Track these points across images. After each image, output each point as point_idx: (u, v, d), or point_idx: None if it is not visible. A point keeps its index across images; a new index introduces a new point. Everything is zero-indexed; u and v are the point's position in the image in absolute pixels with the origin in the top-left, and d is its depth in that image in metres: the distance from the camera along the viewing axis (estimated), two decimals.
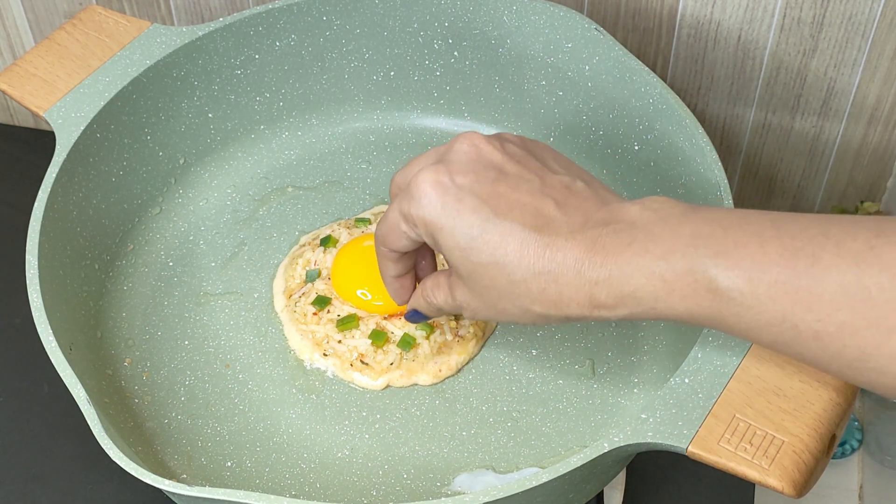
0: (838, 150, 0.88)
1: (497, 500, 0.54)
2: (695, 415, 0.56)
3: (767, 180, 0.92)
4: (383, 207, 0.79)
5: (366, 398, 0.70)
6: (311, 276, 0.73)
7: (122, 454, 0.56)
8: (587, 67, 0.77)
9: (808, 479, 0.55)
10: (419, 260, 0.65)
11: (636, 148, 0.76)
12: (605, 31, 0.75)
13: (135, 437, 0.68)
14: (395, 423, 0.69)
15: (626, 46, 0.79)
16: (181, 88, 0.78)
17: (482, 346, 0.72)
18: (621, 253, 0.51)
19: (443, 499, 0.54)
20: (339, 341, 0.70)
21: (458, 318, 0.71)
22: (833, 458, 0.99)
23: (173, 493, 0.57)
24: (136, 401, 0.70)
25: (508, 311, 0.56)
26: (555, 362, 0.71)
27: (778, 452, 0.54)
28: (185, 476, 0.66)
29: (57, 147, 0.70)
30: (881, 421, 0.99)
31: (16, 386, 0.79)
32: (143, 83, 0.75)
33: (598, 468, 0.59)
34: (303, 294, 0.73)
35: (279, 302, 0.74)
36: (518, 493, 0.54)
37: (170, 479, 0.56)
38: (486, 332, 0.72)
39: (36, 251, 0.65)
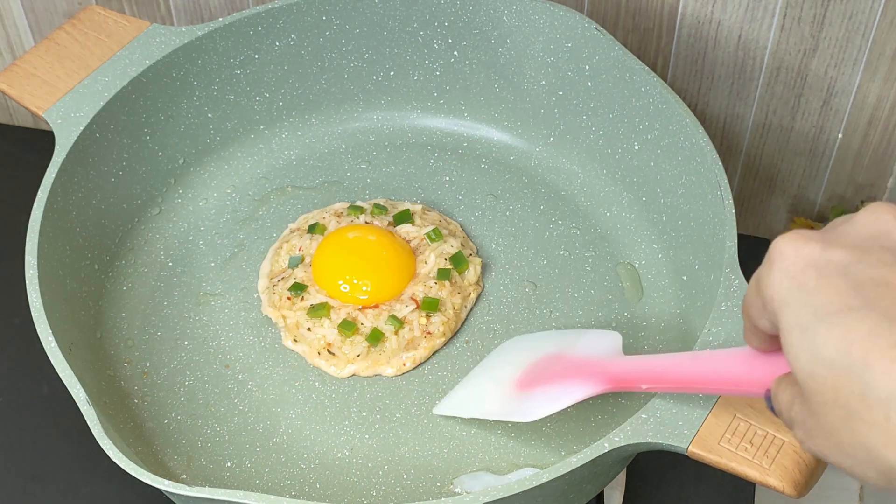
0: (838, 150, 0.88)
1: (497, 500, 0.54)
2: (695, 415, 0.56)
3: (767, 180, 0.92)
4: (382, 200, 0.79)
5: (366, 398, 0.70)
6: (293, 262, 0.74)
7: (121, 454, 0.56)
8: (587, 67, 0.77)
9: (808, 479, 0.54)
10: None
11: (636, 148, 0.76)
12: (605, 31, 0.75)
13: (134, 437, 0.68)
14: (395, 423, 0.69)
15: (626, 46, 0.78)
16: (181, 88, 0.77)
17: (448, 342, 0.72)
18: None
19: (443, 499, 0.54)
20: (309, 329, 0.71)
21: (428, 315, 0.71)
22: None
23: (173, 494, 0.57)
24: (136, 401, 0.70)
25: (847, 450, 0.39)
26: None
27: (778, 452, 0.54)
28: (184, 476, 0.66)
29: (56, 147, 0.70)
30: None
31: (16, 386, 0.79)
32: (143, 83, 0.75)
33: (599, 468, 0.59)
34: (282, 279, 0.74)
35: (262, 283, 0.75)
36: (518, 493, 0.54)
37: (170, 479, 0.56)
38: (455, 329, 0.73)
39: (35, 251, 0.65)
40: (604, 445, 0.56)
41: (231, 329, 0.74)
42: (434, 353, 0.72)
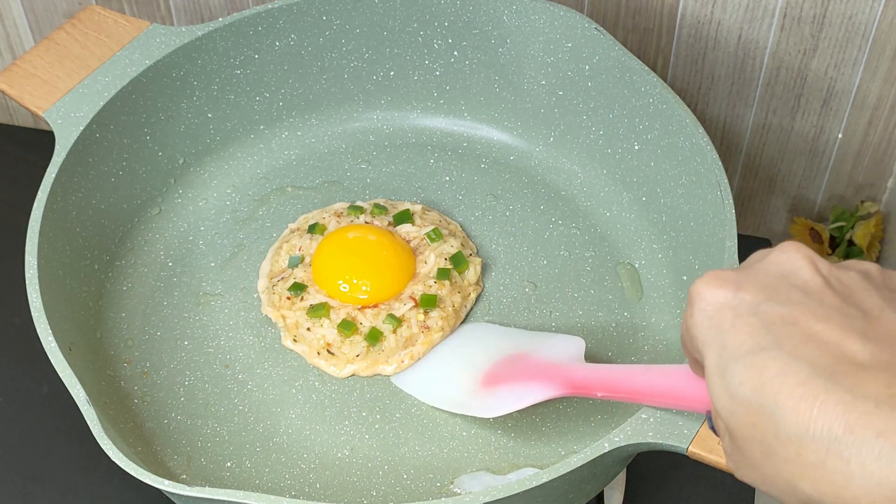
0: (838, 150, 0.88)
1: (497, 500, 0.54)
2: (695, 415, 0.56)
3: (767, 180, 0.92)
4: (382, 200, 0.79)
5: (366, 398, 0.70)
6: (293, 262, 0.74)
7: (121, 454, 0.56)
8: (587, 67, 0.77)
9: None
10: None
11: (636, 148, 0.76)
12: (605, 31, 0.75)
13: (134, 437, 0.68)
14: (395, 423, 0.69)
15: (626, 46, 0.78)
16: (181, 88, 0.77)
17: (446, 337, 0.72)
18: None
19: (443, 499, 0.54)
20: (308, 329, 0.71)
21: (426, 311, 0.71)
22: None
23: (173, 494, 0.57)
24: (136, 401, 0.70)
25: (772, 481, 0.41)
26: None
27: None
28: (184, 476, 0.66)
29: (56, 147, 0.70)
30: None
31: (16, 386, 0.79)
32: (143, 83, 0.75)
33: (599, 468, 0.59)
34: (282, 279, 0.74)
35: (262, 283, 0.75)
36: (518, 493, 0.54)
37: (170, 479, 0.56)
38: (454, 326, 0.72)
39: (35, 251, 0.65)
40: (604, 445, 0.56)
41: (231, 329, 0.74)
42: (434, 358, 0.71)
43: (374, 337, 0.70)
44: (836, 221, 0.91)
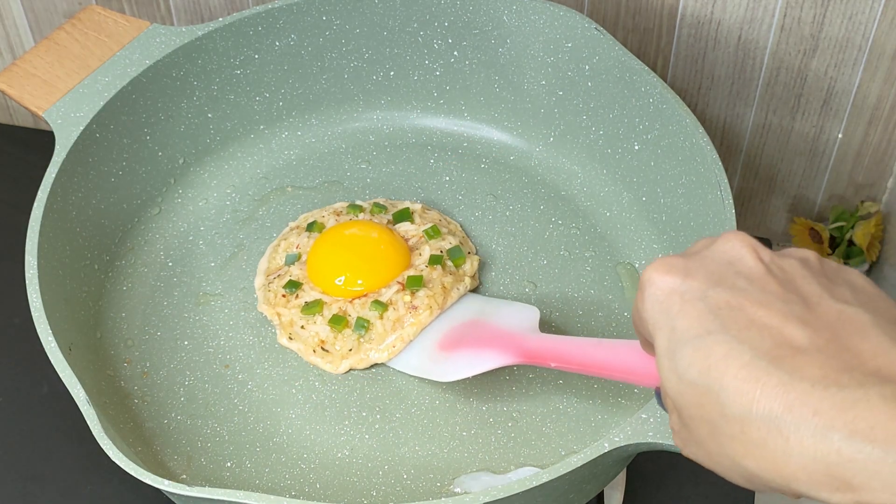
0: (838, 150, 0.88)
1: (497, 500, 0.54)
2: None
3: (767, 180, 0.92)
4: (382, 199, 0.79)
5: (366, 398, 0.70)
6: (290, 260, 0.74)
7: (121, 454, 0.56)
8: (587, 67, 0.77)
9: None
10: None
11: (636, 148, 0.76)
12: (605, 31, 0.75)
13: (134, 437, 0.68)
14: (395, 423, 0.69)
15: (626, 46, 0.78)
16: (181, 88, 0.77)
17: (436, 317, 0.72)
18: None
19: (443, 499, 0.54)
20: (303, 327, 0.71)
21: (412, 292, 0.71)
22: None
23: (173, 494, 0.57)
24: (136, 401, 0.70)
25: (717, 458, 0.43)
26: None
27: None
28: (184, 476, 0.66)
29: (56, 147, 0.70)
30: None
31: (16, 386, 0.79)
32: (143, 83, 0.75)
33: (599, 468, 0.59)
34: (278, 276, 0.74)
35: (259, 280, 0.75)
36: (518, 493, 0.54)
37: (170, 479, 0.56)
38: (442, 305, 0.72)
39: (35, 251, 0.65)
40: (604, 445, 0.56)
41: (231, 329, 0.74)
42: (420, 334, 0.71)
43: (362, 325, 0.70)
44: (836, 221, 0.91)
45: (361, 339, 0.70)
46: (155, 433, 0.68)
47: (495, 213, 0.80)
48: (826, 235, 0.91)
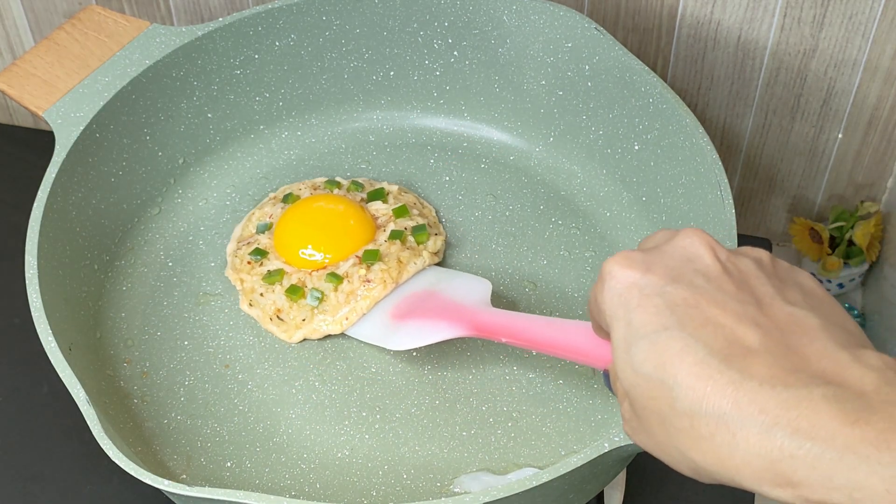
0: (838, 150, 0.88)
1: (497, 500, 0.54)
2: None
3: (767, 180, 0.92)
4: (362, 178, 0.80)
5: (366, 397, 0.70)
6: (261, 228, 0.76)
7: (121, 454, 0.56)
8: (587, 67, 0.77)
9: None
10: None
11: (636, 148, 0.76)
12: (605, 31, 0.75)
13: (134, 437, 0.68)
14: (395, 423, 0.69)
15: (626, 46, 0.78)
16: (180, 88, 0.77)
17: (391, 292, 0.72)
18: (838, 430, 0.39)
19: (443, 499, 0.54)
20: (262, 294, 0.72)
21: (368, 265, 0.71)
22: None
23: (173, 494, 0.57)
24: (136, 401, 0.70)
25: (665, 449, 0.45)
26: (555, 362, 0.71)
27: None
28: (184, 476, 0.66)
29: (56, 147, 0.70)
30: None
31: (16, 386, 0.79)
32: (143, 83, 0.75)
33: (599, 468, 0.59)
34: (248, 243, 0.75)
35: (231, 247, 0.77)
36: (518, 493, 0.54)
37: (170, 479, 0.56)
38: (397, 279, 0.72)
39: (35, 251, 0.65)
40: (604, 445, 0.56)
41: (231, 329, 0.74)
42: (376, 305, 0.72)
43: (315, 297, 0.71)
44: (836, 221, 0.91)
45: (315, 311, 0.71)
46: (155, 433, 0.68)
47: (495, 213, 0.80)
48: (826, 235, 0.91)
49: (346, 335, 0.72)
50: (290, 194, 0.78)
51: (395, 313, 0.71)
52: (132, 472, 0.56)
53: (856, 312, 0.94)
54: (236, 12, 0.78)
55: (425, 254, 0.74)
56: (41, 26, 0.93)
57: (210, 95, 0.79)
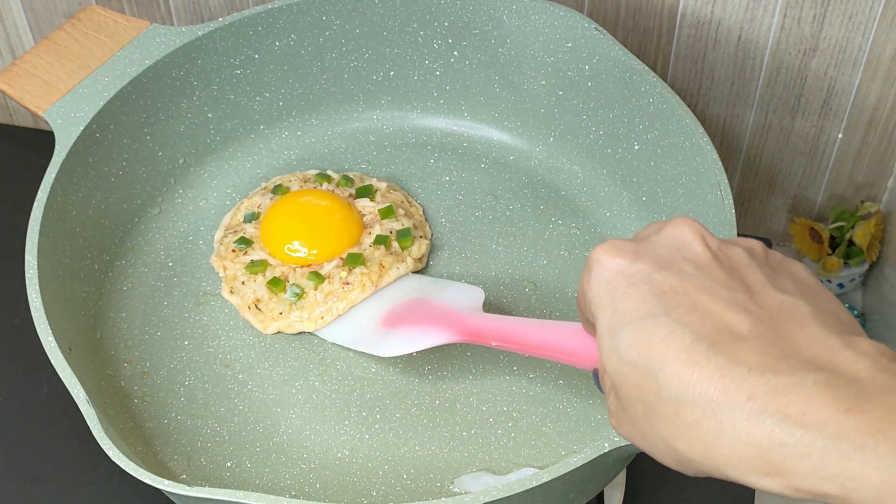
0: (838, 150, 0.88)
1: (497, 500, 0.54)
2: None
3: (767, 180, 0.92)
4: (353, 173, 0.80)
5: (366, 397, 0.70)
6: (248, 218, 0.76)
7: (121, 454, 0.56)
8: (587, 67, 0.77)
9: None
10: None
11: (636, 148, 0.76)
12: (605, 31, 0.75)
13: (134, 437, 0.68)
14: (395, 423, 0.69)
15: (626, 46, 0.78)
16: (181, 88, 0.77)
17: (370, 296, 0.72)
18: (831, 418, 0.38)
19: (443, 499, 0.54)
20: (243, 283, 0.73)
21: (349, 269, 0.72)
22: None
23: (173, 494, 0.57)
24: (136, 401, 0.70)
25: (650, 438, 0.44)
26: (555, 362, 0.71)
27: None
28: (184, 476, 0.66)
29: (56, 147, 0.70)
30: None
31: (16, 386, 0.79)
32: (143, 83, 0.75)
33: (599, 468, 0.59)
34: (235, 232, 0.76)
35: (218, 234, 0.77)
36: (518, 493, 0.54)
37: (170, 479, 0.56)
38: (377, 283, 0.72)
39: (35, 251, 0.65)
40: (604, 445, 0.56)
41: (231, 329, 0.74)
42: (352, 308, 0.72)
43: (295, 293, 0.72)
44: (836, 221, 0.91)
45: (293, 306, 0.71)
46: (155, 433, 0.68)
47: (495, 213, 0.80)
48: (826, 235, 0.91)
49: (319, 335, 0.72)
50: (280, 185, 0.78)
51: (386, 321, 0.71)
52: (132, 472, 0.56)
53: (856, 312, 0.94)
54: (236, 12, 0.78)
55: (409, 260, 0.74)
56: (41, 26, 0.93)
57: (210, 95, 0.79)
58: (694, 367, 0.41)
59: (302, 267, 0.73)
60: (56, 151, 0.70)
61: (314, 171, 0.79)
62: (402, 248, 0.74)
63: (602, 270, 0.46)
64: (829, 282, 0.93)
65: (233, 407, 0.70)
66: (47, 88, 0.73)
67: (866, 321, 0.93)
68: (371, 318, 0.71)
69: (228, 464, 0.67)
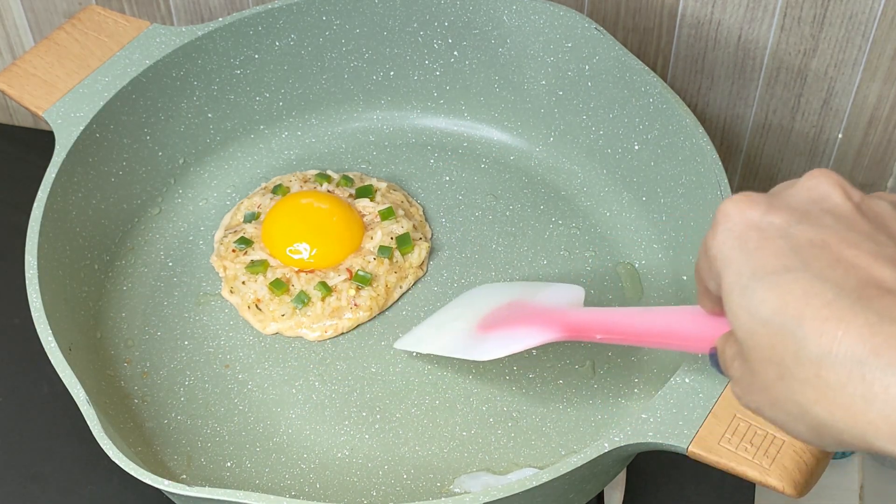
0: (838, 150, 0.88)
1: (497, 500, 0.54)
2: (695, 414, 0.56)
3: (767, 180, 0.92)
4: (353, 173, 0.80)
5: (366, 397, 0.70)
6: (248, 218, 0.77)
7: (121, 454, 0.56)
8: (587, 67, 0.77)
9: (808, 479, 0.54)
10: None
11: (636, 148, 0.76)
12: (605, 31, 0.75)
13: (134, 437, 0.68)
14: (395, 423, 0.69)
15: (626, 46, 0.78)
16: (181, 88, 0.77)
17: (374, 318, 0.73)
18: None
19: (443, 499, 0.54)
20: (244, 282, 0.73)
21: (357, 288, 0.72)
22: (833, 458, 0.99)
23: (173, 494, 0.57)
24: (136, 401, 0.70)
25: (783, 405, 0.40)
26: (555, 362, 0.71)
27: (778, 452, 0.54)
28: (184, 476, 0.66)
29: (56, 147, 0.70)
30: None
31: (16, 386, 0.79)
32: (143, 83, 0.75)
33: (599, 468, 0.59)
34: (235, 231, 0.76)
35: (219, 234, 0.77)
36: (518, 493, 0.54)
37: (170, 479, 0.56)
38: (383, 306, 0.74)
39: (35, 251, 0.65)
40: (604, 445, 0.56)
41: (231, 329, 0.74)
42: (357, 327, 0.73)
43: (301, 300, 0.72)
44: None
45: (297, 311, 0.72)
46: (155, 433, 0.68)
47: (495, 213, 0.80)
48: None
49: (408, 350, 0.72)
50: (280, 185, 0.78)
51: (482, 326, 0.68)
52: (132, 472, 0.56)
53: None
54: (236, 12, 0.78)
55: (410, 276, 0.75)
56: (41, 26, 0.93)
57: (210, 95, 0.79)
58: (839, 323, 0.37)
59: (303, 269, 0.73)
60: (56, 151, 0.70)
61: (314, 171, 0.79)
62: (403, 255, 0.74)
63: (731, 224, 0.42)
64: None
65: (233, 407, 0.70)
66: (47, 88, 0.73)
67: None
68: (464, 325, 0.69)
69: (228, 464, 0.67)
